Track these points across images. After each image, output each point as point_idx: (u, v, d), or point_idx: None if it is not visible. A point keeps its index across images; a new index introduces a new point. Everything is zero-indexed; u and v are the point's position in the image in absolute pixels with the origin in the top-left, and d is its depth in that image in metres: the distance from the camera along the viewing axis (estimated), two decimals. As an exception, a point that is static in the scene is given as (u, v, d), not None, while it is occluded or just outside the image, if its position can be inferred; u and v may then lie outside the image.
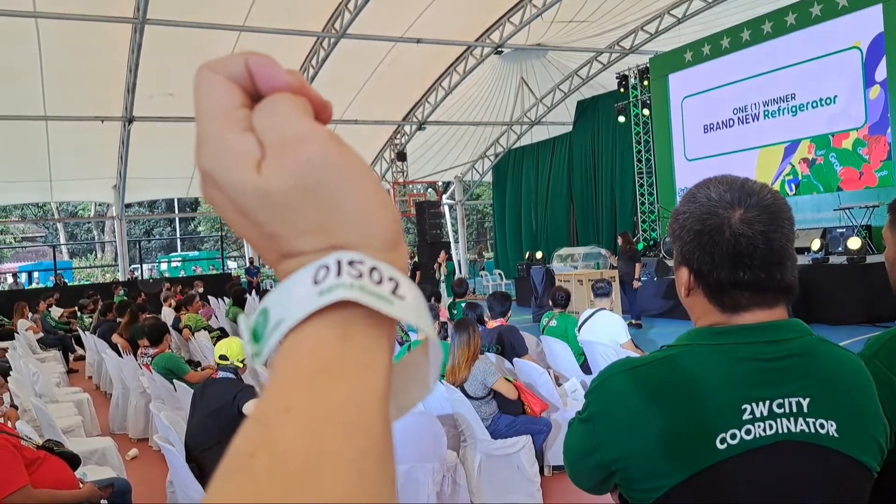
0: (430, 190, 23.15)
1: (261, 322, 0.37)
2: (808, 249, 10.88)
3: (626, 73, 17.64)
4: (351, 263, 0.36)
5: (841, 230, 11.13)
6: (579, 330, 6.19)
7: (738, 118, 14.49)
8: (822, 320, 9.49)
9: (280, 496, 0.31)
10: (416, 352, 0.43)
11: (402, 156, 22.06)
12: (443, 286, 18.02)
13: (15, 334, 10.98)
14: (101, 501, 3.73)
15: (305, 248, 0.38)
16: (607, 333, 5.85)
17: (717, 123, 14.95)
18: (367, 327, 0.36)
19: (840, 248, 10.57)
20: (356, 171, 0.38)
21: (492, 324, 6.16)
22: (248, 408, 3.93)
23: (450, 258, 18.35)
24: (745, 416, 1.04)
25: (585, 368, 6.05)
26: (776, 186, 13.45)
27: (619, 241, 12.00)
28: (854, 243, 10.09)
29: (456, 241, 26.39)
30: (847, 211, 11.52)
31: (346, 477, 0.32)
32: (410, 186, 22.42)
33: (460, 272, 24.34)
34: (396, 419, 0.40)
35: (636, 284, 11.28)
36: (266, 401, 0.35)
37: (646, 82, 16.87)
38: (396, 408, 0.40)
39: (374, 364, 0.36)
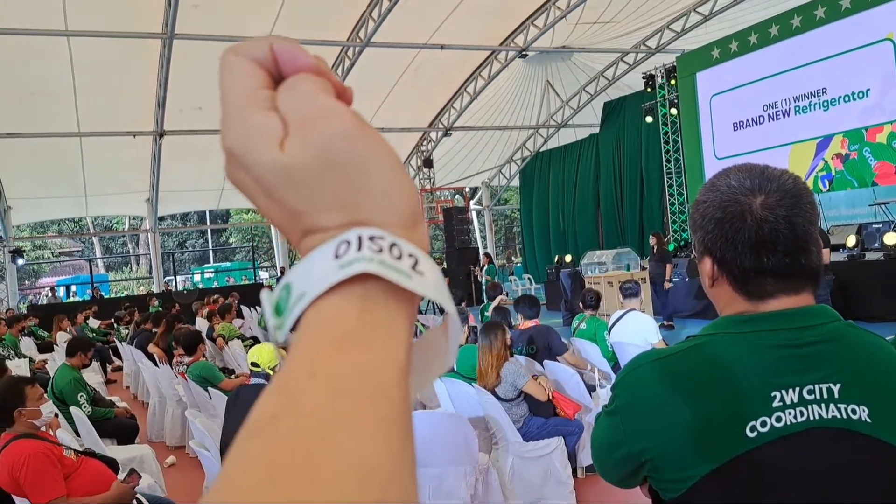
0: (457, 196, 23.18)
1: (283, 296, 0.38)
2: (844, 246, 10.68)
3: (653, 72, 17.48)
4: (371, 239, 0.37)
5: (877, 225, 10.90)
6: (609, 332, 6.15)
7: (769, 115, 14.29)
8: (858, 317, 9.30)
9: (303, 455, 0.31)
10: (436, 329, 0.43)
11: (428, 162, 22.12)
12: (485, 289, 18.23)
13: (54, 346, 11.20)
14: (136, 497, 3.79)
15: (327, 224, 0.39)
16: (638, 334, 5.80)
17: (747, 121, 14.75)
18: (386, 300, 0.37)
19: (876, 244, 10.35)
20: (377, 149, 0.39)
21: (526, 324, 6.14)
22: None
23: (491, 261, 18.40)
24: (775, 404, 1.03)
25: (618, 371, 6.00)
26: (809, 183, 13.16)
27: (652, 241, 11.87)
28: (891, 238, 9.87)
29: (484, 247, 26.36)
30: (883, 206, 11.29)
31: (370, 439, 0.32)
32: (438, 193, 22.48)
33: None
34: (418, 393, 0.40)
35: (667, 285, 11.17)
36: (288, 369, 0.35)
37: (673, 81, 16.70)
38: (417, 382, 0.40)
39: (393, 335, 0.37)
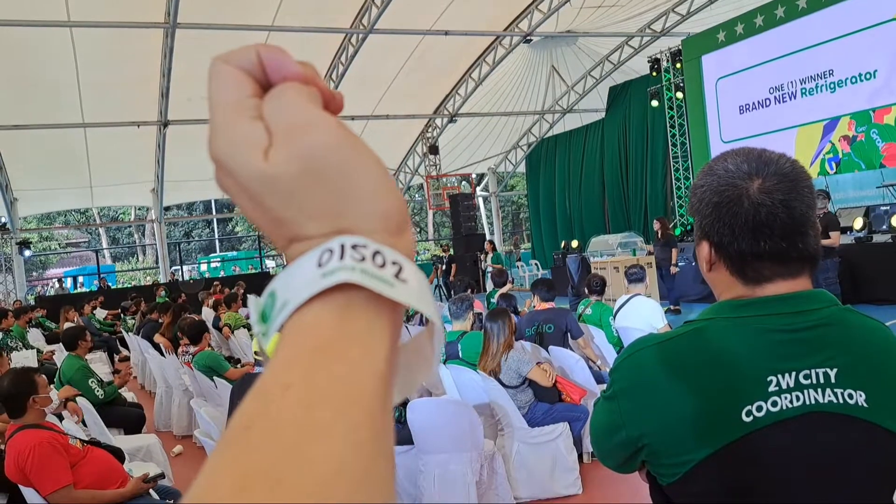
0: (463, 182, 23.14)
1: (269, 304, 0.39)
2: (851, 228, 10.62)
3: (658, 56, 17.36)
4: (354, 247, 0.37)
5: (885, 207, 10.81)
6: (615, 316, 6.14)
7: (775, 97, 14.18)
8: (867, 300, 9.29)
9: (273, 465, 0.31)
10: (420, 335, 0.43)
11: (434, 149, 22.05)
12: (489, 276, 18.08)
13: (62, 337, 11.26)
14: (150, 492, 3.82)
15: (312, 233, 0.39)
16: (643, 318, 5.79)
17: (754, 103, 14.65)
18: (368, 309, 0.37)
19: (884, 226, 10.28)
20: (362, 158, 0.39)
21: (543, 305, 6.13)
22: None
23: (495, 248, 18.34)
24: (772, 388, 1.02)
25: (621, 356, 5.96)
26: (816, 165, 13.16)
27: (656, 226, 11.82)
28: (899, 220, 9.82)
29: (491, 233, 26.33)
30: (890, 188, 11.21)
31: (340, 448, 0.32)
32: (444, 180, 22.41)
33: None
34: (400, 399, 0.41)
35: (673, 270, 11.15)
36: (266, 378, 0.36)
37: (678, 65, 16.58)
38: (401, 388, 0.41)
39: (372, 344, 0.37)
